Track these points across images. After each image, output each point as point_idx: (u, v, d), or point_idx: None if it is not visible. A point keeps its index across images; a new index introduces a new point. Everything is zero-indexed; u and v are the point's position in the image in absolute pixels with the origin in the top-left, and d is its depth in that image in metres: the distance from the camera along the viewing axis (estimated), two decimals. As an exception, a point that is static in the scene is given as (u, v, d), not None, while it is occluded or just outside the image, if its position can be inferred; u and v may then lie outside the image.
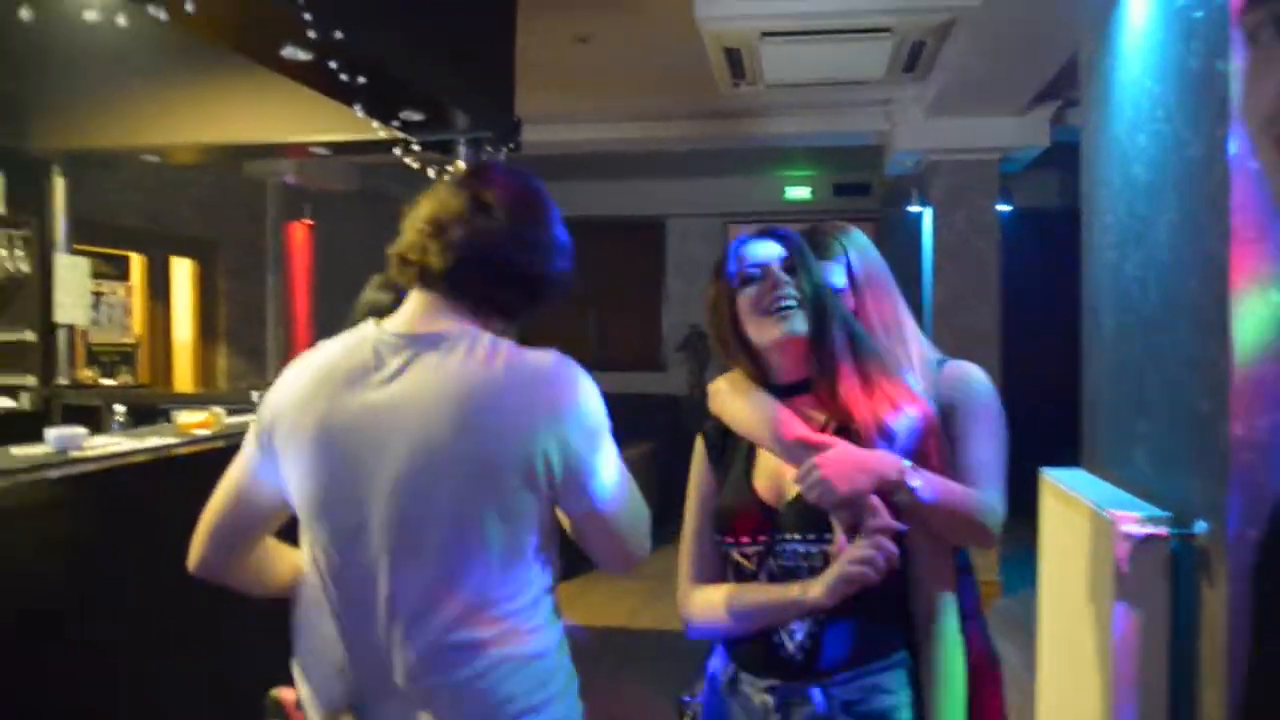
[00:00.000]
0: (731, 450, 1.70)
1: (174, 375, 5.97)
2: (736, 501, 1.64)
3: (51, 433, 2.24)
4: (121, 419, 4.26)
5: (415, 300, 1.45)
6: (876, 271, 1.83)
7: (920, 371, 1.73)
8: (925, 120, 5.57)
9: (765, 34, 4.26)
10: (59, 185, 4.69)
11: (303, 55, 3.09)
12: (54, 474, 2.02)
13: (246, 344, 6.46)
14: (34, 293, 4.44)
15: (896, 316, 1.79)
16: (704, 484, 1.73)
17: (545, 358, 1.40)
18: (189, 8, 2.29)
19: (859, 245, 1.85)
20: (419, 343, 1.39)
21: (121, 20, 2.97)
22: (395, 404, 1.34)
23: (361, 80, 3.20)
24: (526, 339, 1.46)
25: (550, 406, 1.36)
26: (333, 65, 3.02)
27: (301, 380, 1.42)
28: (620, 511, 1.45)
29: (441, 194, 1.48)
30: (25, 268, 4.37)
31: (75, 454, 2.20)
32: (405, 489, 1.33)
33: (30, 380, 4.42)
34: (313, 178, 6.72)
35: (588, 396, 1.41)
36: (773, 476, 1.61)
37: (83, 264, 4.79)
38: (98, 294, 5.41)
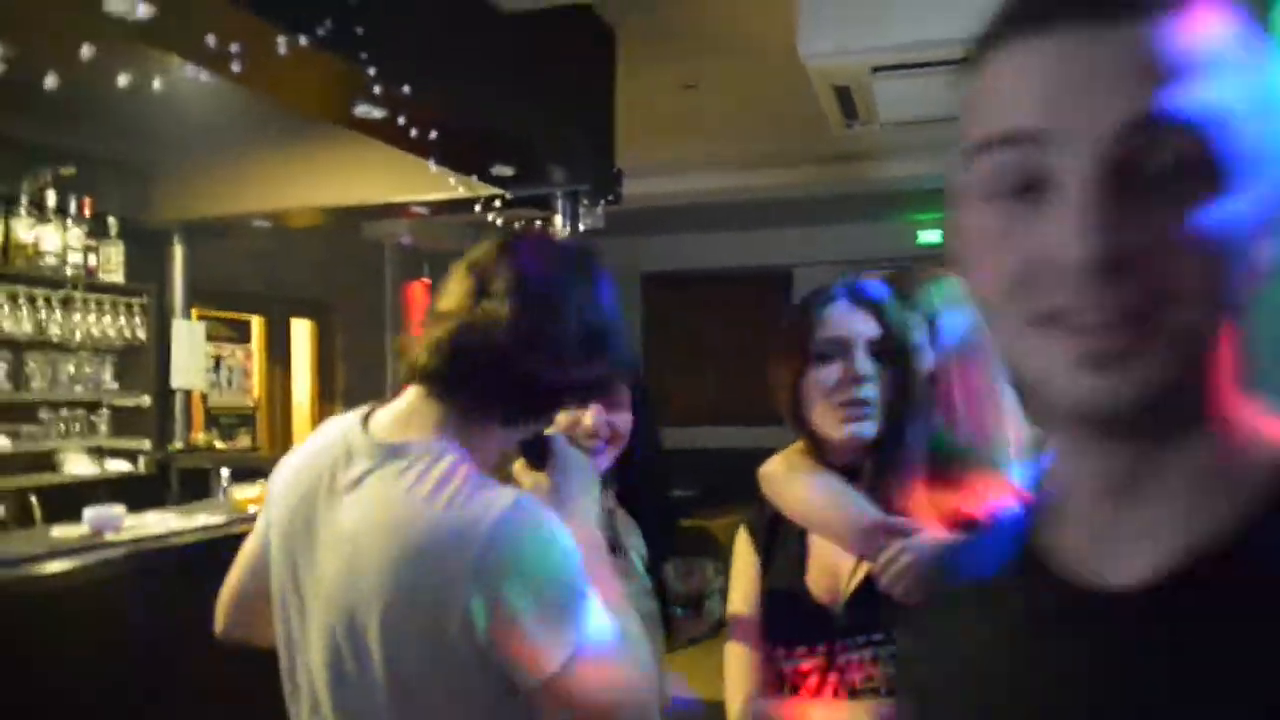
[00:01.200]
0: (779, 543, 1.44)
1: (293, 437, 6.04)
2: (788, 603, 1.39)
3: (89, 513, 2.15)
4: (226, 483, 4.27)
5: (406, 395, 1.25)
6: (973, 332, 1.54)
7: (1016, 448, 1.44)
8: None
9: (876, 69, 3.97)
10: (177, 253, 4.82)
11: (377, 113, 3.02)
12: (80, 560, 1.91)
13: (364, 404, 6.49)
14: (151, 358, 4.53)
15: (991, 388, 1.49)
16: (751, 583, 1.47)
17: (498, 500, 1.13)
18: (235, 68, 2.19)
19: (955, 297, 1.57)
20: (383, 453, 1.18)
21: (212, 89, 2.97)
22: (341, 528, 1.17)
23: (434, 135, 3.09)
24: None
25: (484, 559, 1.09)
26: (402, 121, 2.92)
27: (286, 467, 1.29)
28: (595, 687, 1.13)
29: (452, 275, 1.26)
30: (143, 334, 4.47)
31: (110, 536, 2.09)
32: (337, 638, 1.15)
33: (146, 444, 4.49)
34: (427, 238, 6.77)
35: (541, 550, 1.13)
36: (828, 572, 1.37)
37: (199, 329, 4.88)
38: (218, 358, 5.52)
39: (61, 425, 4.18)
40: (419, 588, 1.11)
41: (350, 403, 5.93)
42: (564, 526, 1.16)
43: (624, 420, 1.56)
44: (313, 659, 1.19)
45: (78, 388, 4.24)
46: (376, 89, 2.71)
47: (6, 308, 3.89)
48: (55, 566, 1.87)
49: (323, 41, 2.32)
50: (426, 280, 6.86)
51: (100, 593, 1.65)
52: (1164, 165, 0.49)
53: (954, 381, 1.52)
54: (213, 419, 5.43)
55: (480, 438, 1.22)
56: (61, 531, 2.13)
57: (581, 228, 4.42)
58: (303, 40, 2.26)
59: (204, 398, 5.41)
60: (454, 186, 4.24)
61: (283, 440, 5.94)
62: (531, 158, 3.87)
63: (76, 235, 4.16)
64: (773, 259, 8.80)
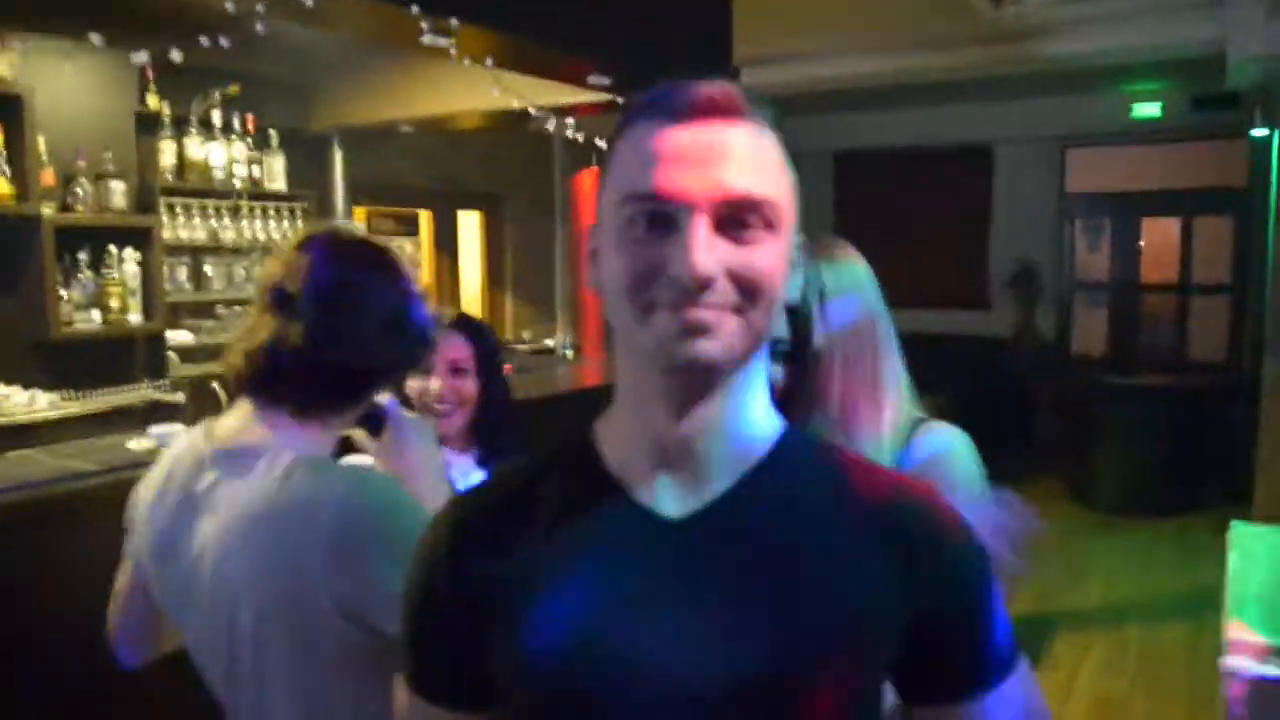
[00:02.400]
0: None
1: (463, 322, 6.49)
2: None
3: (153, 429, 2.51)
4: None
5: (239, 405, 1.36)
6: (861, 316, 1.49)
7: (888, 439, 1.41)
8: (1267, 20, 4.40)
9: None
10: (337, 159, 5.22)
11: (443, 41, 3.13)
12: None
13: (534, 291, 6.83)
14: (314, 257, 4.99)
15: (874, 376, 1.44)
16: None
17: (340, 476, 1.26)
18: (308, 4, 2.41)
19: (847, 278, 1.52)
20: (228, 459, 1.30)
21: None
22: (205, 537, 1.29)
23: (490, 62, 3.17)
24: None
25: (336, 534, 1.21)
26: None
27: (144, 489, 1.39)
28: None
29: (259, 283, 1.38)
30: (305, 236, 4.92)
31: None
32: (228, 640, 1.28)
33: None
34: (596, 127, 6.85)
35: (388, 514, 1.24)
36: None
37: (359, 228, 5.30)
38: (387, 250, 5.98)
39: (237, 320, 4.76)
40: (280, 572, 1.22)
41: (520, 290, 6.30)
42: (404, 487, 1.30)
43: (468, 384, 1.75)
44: (215, 667, 1.31)
45: (250, 286, 4.78)
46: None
47: (182, 218, 4.43)
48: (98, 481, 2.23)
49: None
50: (595, 169, 6.99)
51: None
52: (748, 222, 0.79)
53: (835, 367, 1.47)
54: (384, 308, 5.94)
55: (314, 429, 1.35)
56: (136, 444, 2.52)
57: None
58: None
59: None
60: (572, 92, 4.30)
61: (453, 325, 6.39)
62: (633, 65, 3.84)
63: (241, 149, 4.61)
64: (972, 135, 8.19)
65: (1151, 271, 7.96)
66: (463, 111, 4.88)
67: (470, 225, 6.56)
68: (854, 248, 1.61)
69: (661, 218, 0.78)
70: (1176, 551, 5.78)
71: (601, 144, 6.96)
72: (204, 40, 2.65)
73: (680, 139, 0.78)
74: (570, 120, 4.95)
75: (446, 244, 6.35)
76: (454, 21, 2.89)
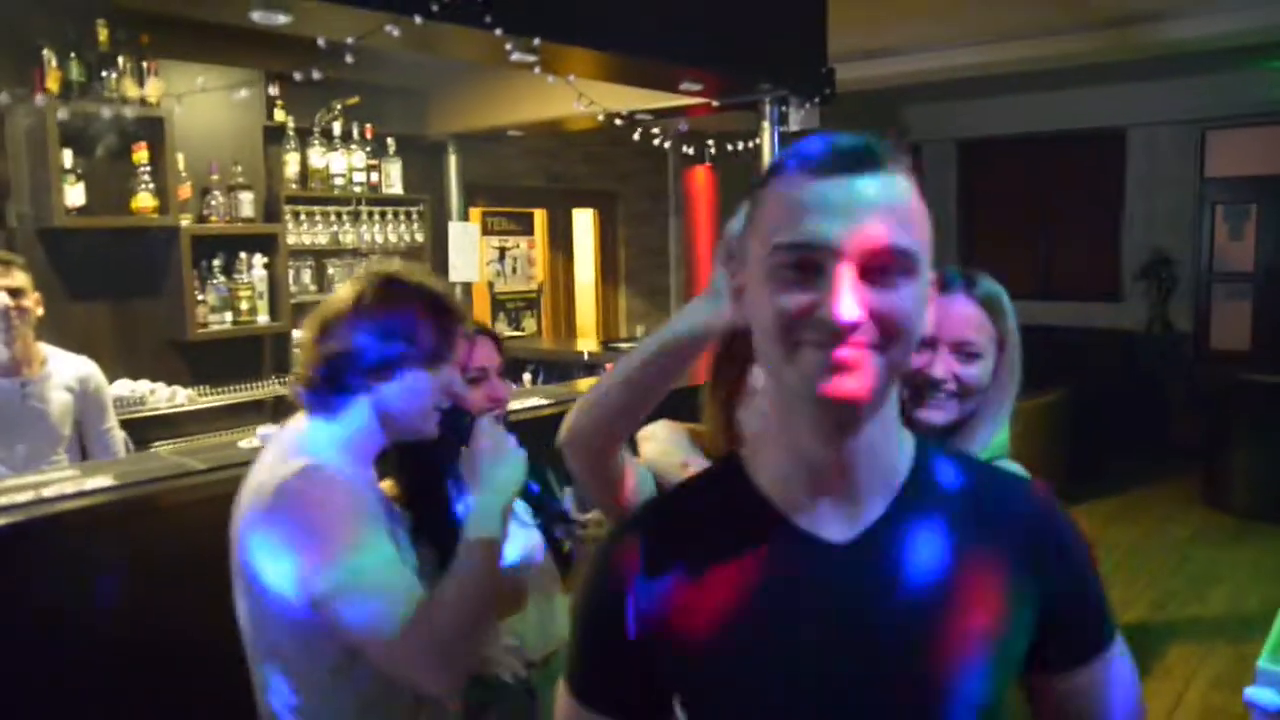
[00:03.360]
0: None
1: (576, 317, 6.67)
2: None
3: (260, 430, 2.74)
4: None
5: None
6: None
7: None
8: None
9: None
10: (452, 163, 5.46)
11: (530, 58, 3.27)
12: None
13: (647, 286, 6.95)
14: (430, 257, 5.25)
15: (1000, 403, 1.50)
16: None
17: (296, 462, 1.42)
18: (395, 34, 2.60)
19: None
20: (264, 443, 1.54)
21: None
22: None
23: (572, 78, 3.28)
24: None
25: (268, 508, 1.40)
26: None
27: None
28: (352, 620, 1.35)
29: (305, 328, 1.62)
30: (420, 237, 5.19)
31: (272, 451, 2.67)
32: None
33: (427, 333, 5.27)
34: (709, 123, 6.90)
35: (318, 497, 1.39)
36: None
37: (473, 229, 5.54)
38: (502, 249, 6.21)
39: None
40: (236, 540, 1.45)
41: (633, 284, 6.47)
42: (349, 481, 1.43)
43: (501, 387, 1.89)
44: None
45: (369, 286, 5.08)
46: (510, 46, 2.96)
47: (306, 224, 4.74)
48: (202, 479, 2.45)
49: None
50: (708, 165, 7.05)
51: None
52: (890, 269, 0.85)
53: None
54: (499, 304, 6.18)
55: (319, 418, 1.53)
56: (245, 443, 2.76)
57: (794, 127, 4.40)
58: None
59: (490, 286, 6.16)
60: (672, 97, 4.37)
61: (566, 320, 6.59)
62: (724, 69, 3.88)
63: (360, 157, 4.89)
64: (1103, 118, 7.84)
65: (1302, 260, 7.46)
66: (571, 116, 5.03)
67: (584, 222, 6.73)
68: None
69: (809, 265, 0.85)
70: (1313, 563, 5.45)
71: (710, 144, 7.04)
72: (321, 65, 2.85)
73: (826, 191, 0.85)
74: (683, 125, 5.04)
75: (561, 241, 6.54)
76: (536, 41, 3.02)
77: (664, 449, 1.50)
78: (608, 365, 1.99)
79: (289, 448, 1.47)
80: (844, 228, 0.84)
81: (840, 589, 0.90)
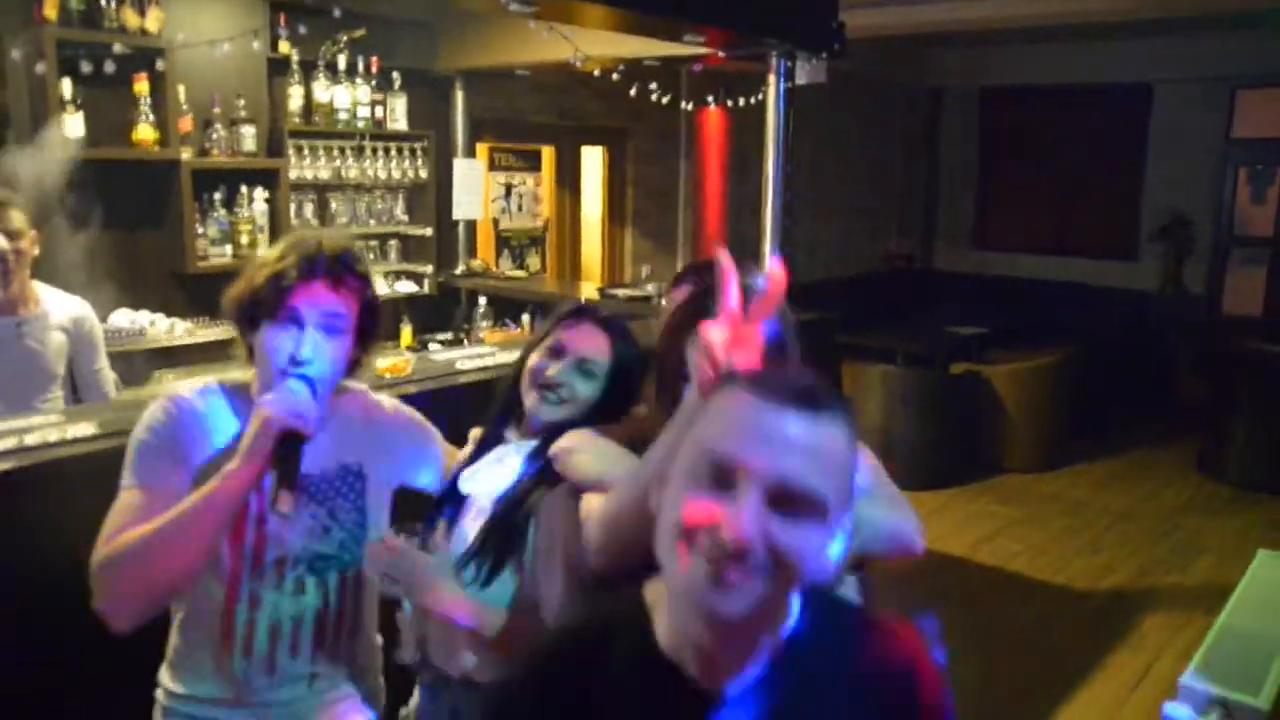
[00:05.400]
0: None
1: (581, 256, 6.65)
2: None
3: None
4: (483, 309, 4.97)
5: None
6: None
7: None
8: None
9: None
10: (458, 99, 5.40)
11: (528, 9, 3.21)
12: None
13: (654, 227, 6.91)
14: (433, 194, 5.23)
15: None
16: None
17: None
18: None
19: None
20: None
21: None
22: None
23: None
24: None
25: None
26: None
27: None
28: (114, 521, 1.57)
29: None
30: (425, 174, 5.16)
31: (256, 401, 2.71)
32: None
33: (429, 269, 5.29)
34: (726, 66, 6.76)
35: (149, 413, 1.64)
36: None
37: (478, 166, 5.51)
38: (508, 185, 6.17)
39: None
40: None
41: (640, 225, 6.45)
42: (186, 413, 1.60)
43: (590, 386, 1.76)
44: None
45: (372, 221, 5.08)
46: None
47: (309, 158, 4.72)
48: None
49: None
50: (721, 106, 6.94)
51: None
52: (798, 508, 0.91)
53: None
54: (504, 241, 6.17)
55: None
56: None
57: (801, 82, 4.33)
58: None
59: (495, 223, 6.13)
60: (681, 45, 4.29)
61: (571, 258, 6.57)
62: (729, 24, 3.80)
63: (365, 91, 4.85)
64: (1130, 73, 7.64)
65: (1323, 228, 7.33)
66: (579, 58, 4.94)
67: (593, 161, 6.67)
68: None
69: (726, 477, 0.92)
70: (1300, 538, 5.48)
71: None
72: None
73: (764, 418, 0.93)
74: (696, 66, 4.94)
75: (569, 180, 6.48)
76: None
77: (598, 461, 1.50)
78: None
79: (204, 379, 1.72)
80: (768, 456, 0.91)
81: None
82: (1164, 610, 4.57)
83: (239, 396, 1.67)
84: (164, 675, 1.72)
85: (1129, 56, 7.51)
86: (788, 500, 0.91)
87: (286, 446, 1.52)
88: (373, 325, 1.67)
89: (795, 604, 1.02)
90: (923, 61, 8.37)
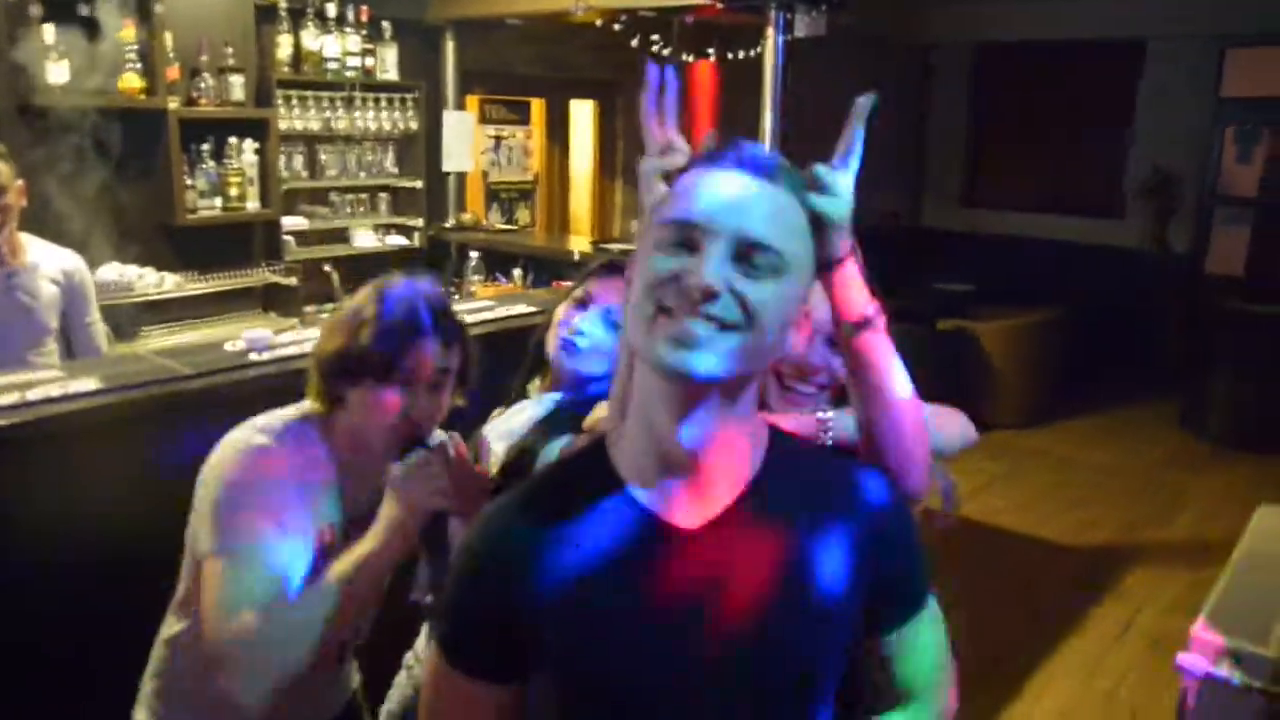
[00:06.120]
0: None
1: (571, 209, 6.61)
2: None
3: (246, 333, 2.75)
4: (474, 264, 4.94)
5: None
6: None
7: None
8: None
9: None
10: (449, 49, 5.32)
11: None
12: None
13: (643, 180, 6.85)
14: (423, 146, 5.17)
15: None
16: None
17: (247, 435, 1.54)
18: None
19: None
20: None
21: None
22: None
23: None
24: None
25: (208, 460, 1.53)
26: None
27: None
28: (215, 595, 1.42)
29: None
30: (415, 125, 5.09)
31: (255, 357, 2.68)
32: None
33: (420, 222, 5.24)
34: (720, 17, 6.68)
35: (229, 459, 1.49)
36: None
37: (468, 118, 5.44)
38: (498, 138, 6.11)
39: (349, 207, 5.02)
40: None
41: (630, 178, 6.43)
42: (264, 452, 1.48)
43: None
44: None
45: (362, 174, 5.02)
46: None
47: (298, 109, 4.64)
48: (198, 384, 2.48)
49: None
50: (714, 60, 6.87)
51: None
52: (758, 261, 0.93)
53: None
54: (493, 194, 6.11)
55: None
56: (231, 345, 2.77)
57: (800, 34, 4.30)
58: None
59: (485, 175, 6.08)
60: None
61: (560, 212, 6.53)
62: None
63: (355, 41, 4.76)
64: (1122, 29, 7.61)
65: (1307, 188, 7.36)
66: (573, 7, 4.87)
67: (583, 114, 6.60)
68: None
69: (689, 240, 0.93)
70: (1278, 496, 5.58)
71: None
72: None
73: (719, 181, 0.96)
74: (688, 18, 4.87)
75: (558, 133, 6.42)
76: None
77: None
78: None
79: (271, 419, 1.55)
80: (725, 213, 0.93)
81: (682, 571, 0.97)
82: (1146, 564, 4.65)
83: (318, 432, 1.58)
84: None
85: (1122, 12, 7.46)
86: (749, 255, 0.93)
87: (434, 528, 1.49)
88: (471, 373, 1.62)
89: (764, 440, 1.04)
90: (914, 18, 8.30)
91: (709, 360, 0.91)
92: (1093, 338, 7.26)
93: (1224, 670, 1.53)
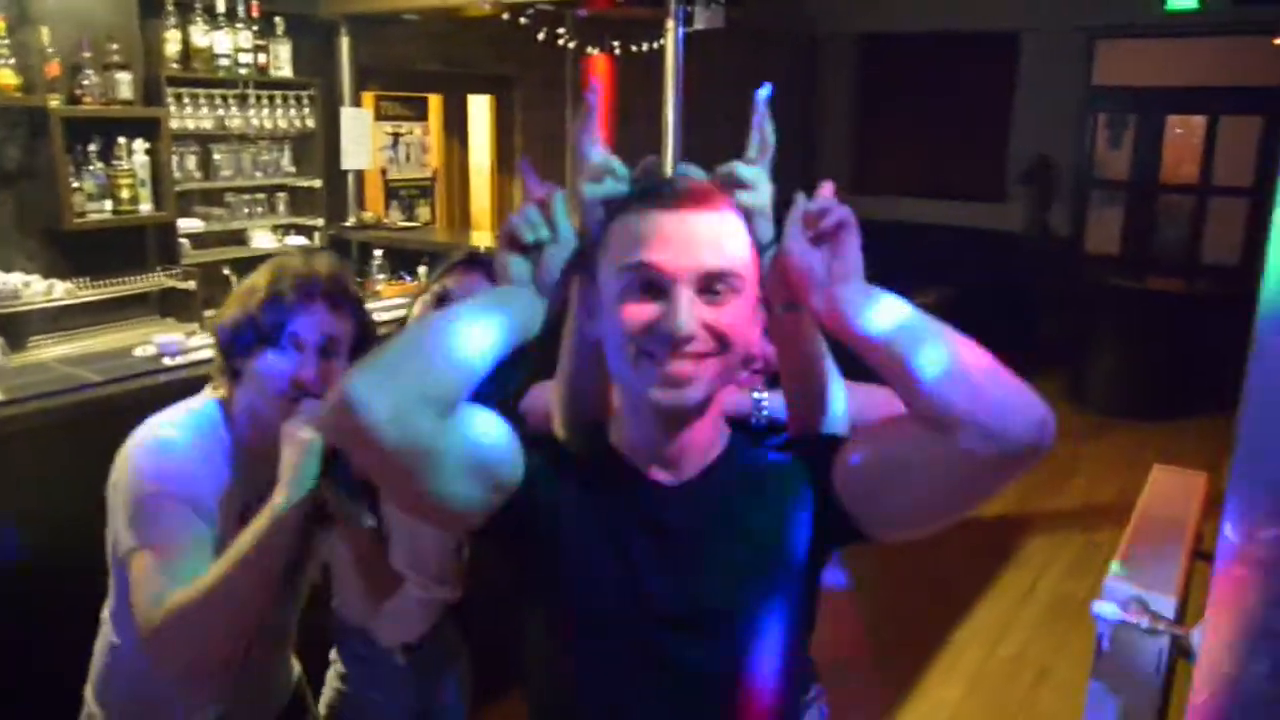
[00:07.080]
0: None
1: (471, 204, 6.56)
2: None
3: (158, 338, 2.67)
4: (379, 263, 4.87)
5: None
6: None
7: None
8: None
9: None
10: (344, 45, 5.21)
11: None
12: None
13: (543, 175, 6.81)
14: (321, 144, 5.06)
15: None
16: None
17: (155, 430, 1.55)
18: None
19: None
20: None
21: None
22: None
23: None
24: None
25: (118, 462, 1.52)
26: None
27: None
28: (145, 587, 1.42)
29: None
30: (312, 123, 4.98)
31: (168, 361, 2.61)
32: None
33: (320, 221, 5.13)
34: (615, 12, 6.71)
35: (139, 459, 1.49)
36: None
37: (365, 115, 5.35)
38: (396, 135, 6.02)
39: (246, 208, 4.88)
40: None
41: (530, 174, 6.27)
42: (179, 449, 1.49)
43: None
44: None
45: (258, 174, 4.88)
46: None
47: (190, 108, 4.49)
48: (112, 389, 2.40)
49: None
50: (609, 53, 6.90)
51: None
52: (719, 288, 1.05)
53: None
54: (393, 192, 6.03)
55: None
56: (140, 350, 2.69)
57: (699, 26, 4.37)
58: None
59: (383, 173, 5.98)
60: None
61: (461, 207, 6.47)
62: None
63: (246, 37, 4.62)
64: (998, 22, 7.95)
65: (1172, 172, 7.83)
66: (472, 2, 4.84)
67: (480, 109, 6.55)
68: None
69: (654, 284, 1.05)
70: (1163, 458, 5.90)
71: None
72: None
73: (667, 223, 1.06)
74: (581, 12, 4.89)
75: (456, 128, 6.36)
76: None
77: None
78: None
79: (172, 412, 1.57)
80: (682, 254, 1.04)
81: (665, 516, 1.13)
82: (1044, 530, 4.89)
83: (220, 416, 1.59)
84: None
85: (999, 5, 7.81)
86: (710, 285, 1.05)
87: (335, 463, 1.47)
88: (367, 348, 1.60)
89: (725, 433, 1.19)
90: (800, 8, 8.51)
91: (697, 392, 1.06)
92: (976, 319, 7.51)
93: (1133, 614, 1.64)
